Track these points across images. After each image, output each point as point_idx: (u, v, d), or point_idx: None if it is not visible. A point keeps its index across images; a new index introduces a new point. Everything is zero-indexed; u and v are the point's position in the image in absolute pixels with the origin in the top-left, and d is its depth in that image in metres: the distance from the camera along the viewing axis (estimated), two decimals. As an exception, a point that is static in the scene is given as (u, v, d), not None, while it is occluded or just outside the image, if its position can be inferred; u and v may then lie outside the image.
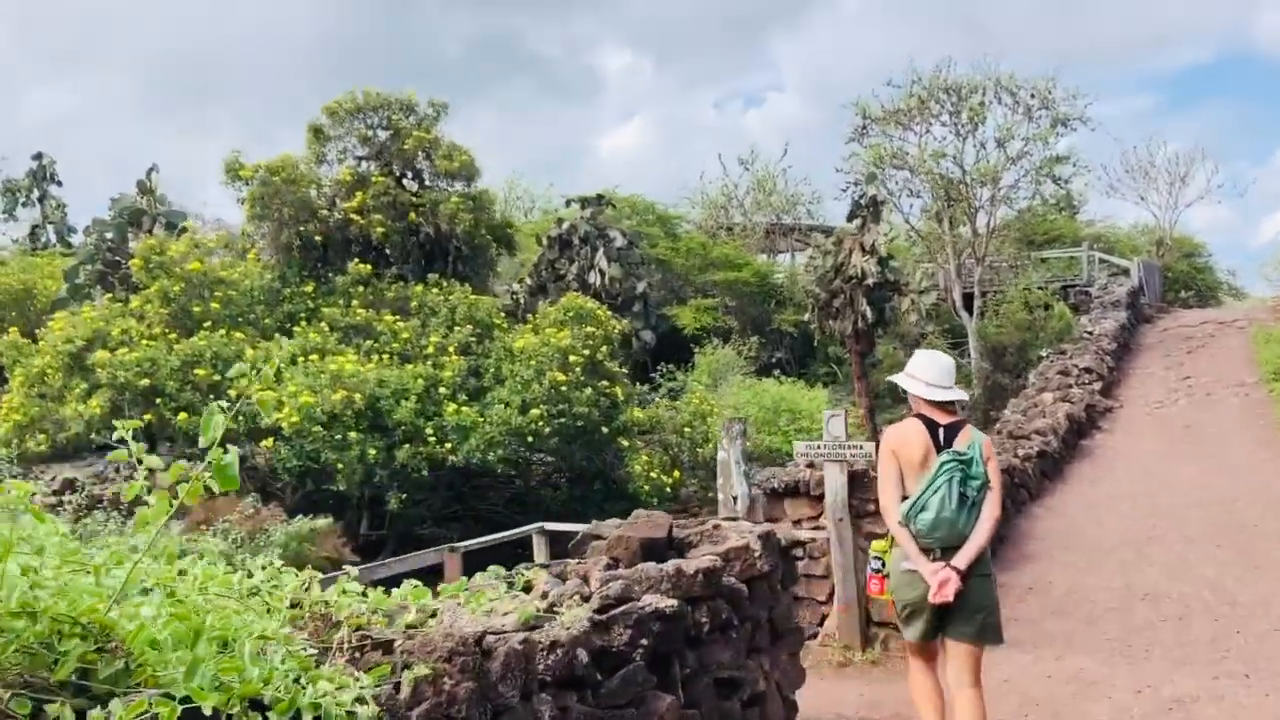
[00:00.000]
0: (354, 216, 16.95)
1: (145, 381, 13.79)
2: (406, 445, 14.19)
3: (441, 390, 14.91)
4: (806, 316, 25.23)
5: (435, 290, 16.59)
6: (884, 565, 4.83)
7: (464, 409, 14.71)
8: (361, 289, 16.54)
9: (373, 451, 13.84)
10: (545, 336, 15.75)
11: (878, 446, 5.17)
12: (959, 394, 4.87)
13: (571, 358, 15.37)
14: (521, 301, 21.71)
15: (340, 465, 13.85)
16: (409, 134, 17.25)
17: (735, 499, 6.01)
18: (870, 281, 21.63)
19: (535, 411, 14.76)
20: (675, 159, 78.52)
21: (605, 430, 15.77)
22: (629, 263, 22.80)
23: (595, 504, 17.23)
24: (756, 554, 4.89)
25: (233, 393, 10.90)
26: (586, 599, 4.07)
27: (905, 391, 4.94)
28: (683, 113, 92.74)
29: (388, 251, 17.44)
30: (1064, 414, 15.57)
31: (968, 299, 25.77)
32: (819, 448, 6.92)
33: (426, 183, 18.01)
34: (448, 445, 14.48)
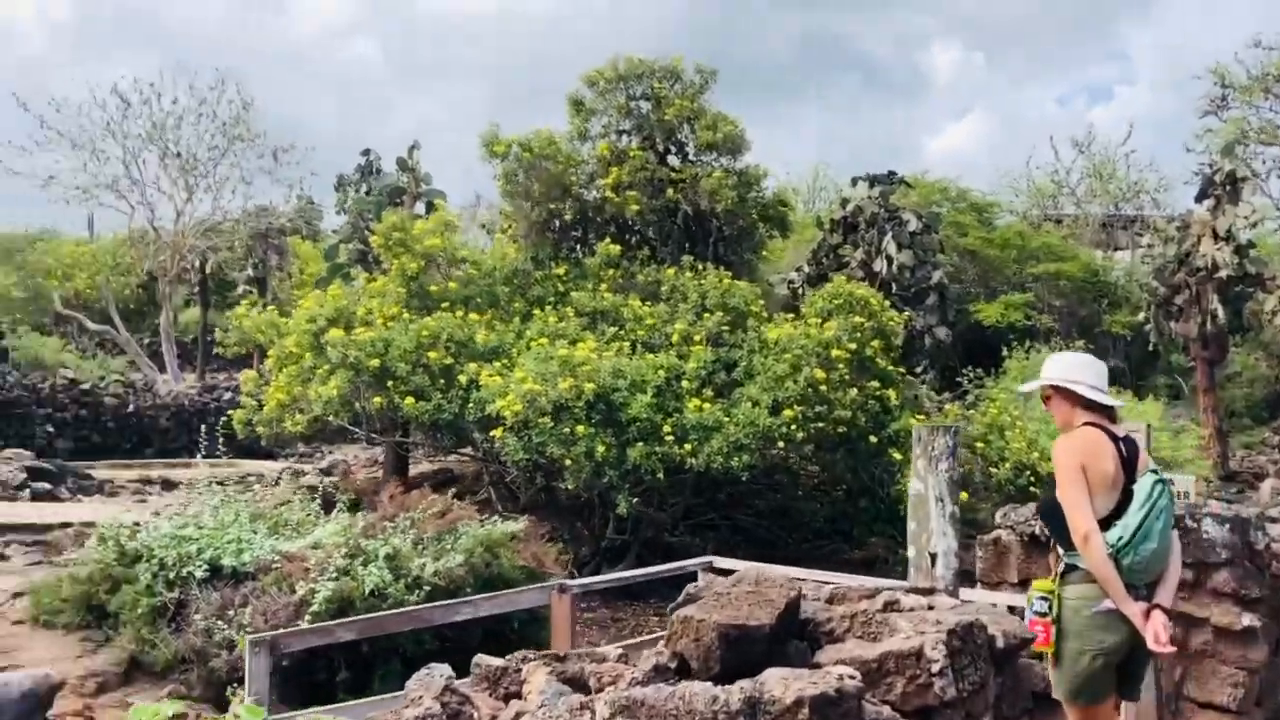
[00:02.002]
0: (610, 194, 15.69)
1: (375, 363, 13.13)
2: (640, 444, 12.63)
3: (684, 384, 13.25)
4: (1142, 316, 21.44)
5: (689, 273, 14.98)
6: (1050, 609, 3.90)
7: (707, 406, 12.98)
8: (611, 271, 15.24)
9: (601, 448, 12.40)
10: (806, 327, 13.71)
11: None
12: (1119, 401, 4.30)
13: (834, 353, 13.23)
14: (800, 291, 19.72)
15: (569, 461, 12.53)
16: (670, 103, 15.75)
17: (934, 558, 3.76)
18: (1224, 274, 17.80)
19: (788, 413, 12.76)
20: (1010, 158, 72.98)
21: (873, 439, 13.49)
22: (924, 249, 20.16)
23: (864, 524, 14.98)
24: (935, 666, 2.78)
25: (463, 378, 9.62)
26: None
27: (1046, 396, 4.29)
28: (1019, 110, 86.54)
29: (644, 232, 16.06)
30: None
31: (1359, 300, 20.83)
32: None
33: (690, 157, 16.46)
34: (687, 446, 12.80)
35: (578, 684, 2.81)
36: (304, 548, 9.27)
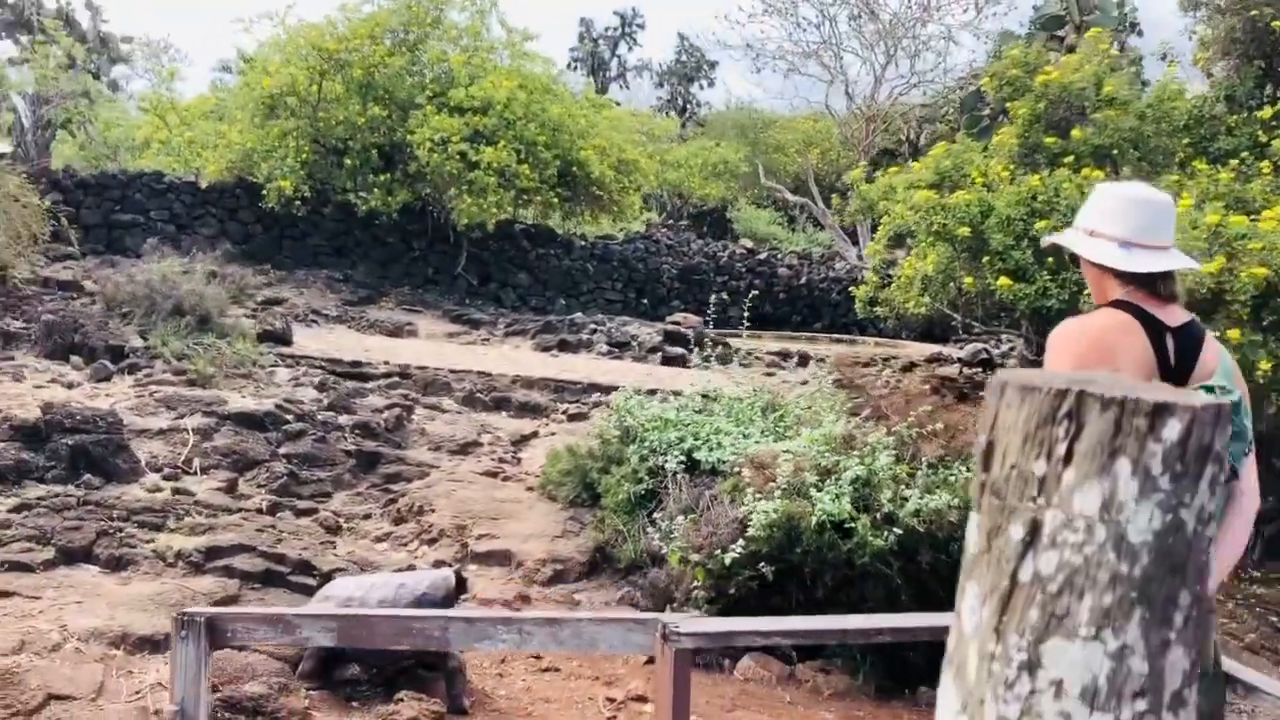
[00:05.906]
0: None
1: (965, 231, 10.47)
2: (1340, 359, 8.39)
3: None
4: None
5: None
6: None
7: None
8: (1340, 106, 10.42)
9: (1266, 364, 8.44)
10: None
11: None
12: (1186, 260, 2.56)
13: None
14: None
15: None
16: None
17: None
18: None
19: None
20: None
21: None
22: None
23: None
24: None
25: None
26: None
27: (1071, 258, 2.80)
28: None
29: None
30: None
31: None
32: None
33: None
34: None
35: None
36: (776, 453, 7.46)
